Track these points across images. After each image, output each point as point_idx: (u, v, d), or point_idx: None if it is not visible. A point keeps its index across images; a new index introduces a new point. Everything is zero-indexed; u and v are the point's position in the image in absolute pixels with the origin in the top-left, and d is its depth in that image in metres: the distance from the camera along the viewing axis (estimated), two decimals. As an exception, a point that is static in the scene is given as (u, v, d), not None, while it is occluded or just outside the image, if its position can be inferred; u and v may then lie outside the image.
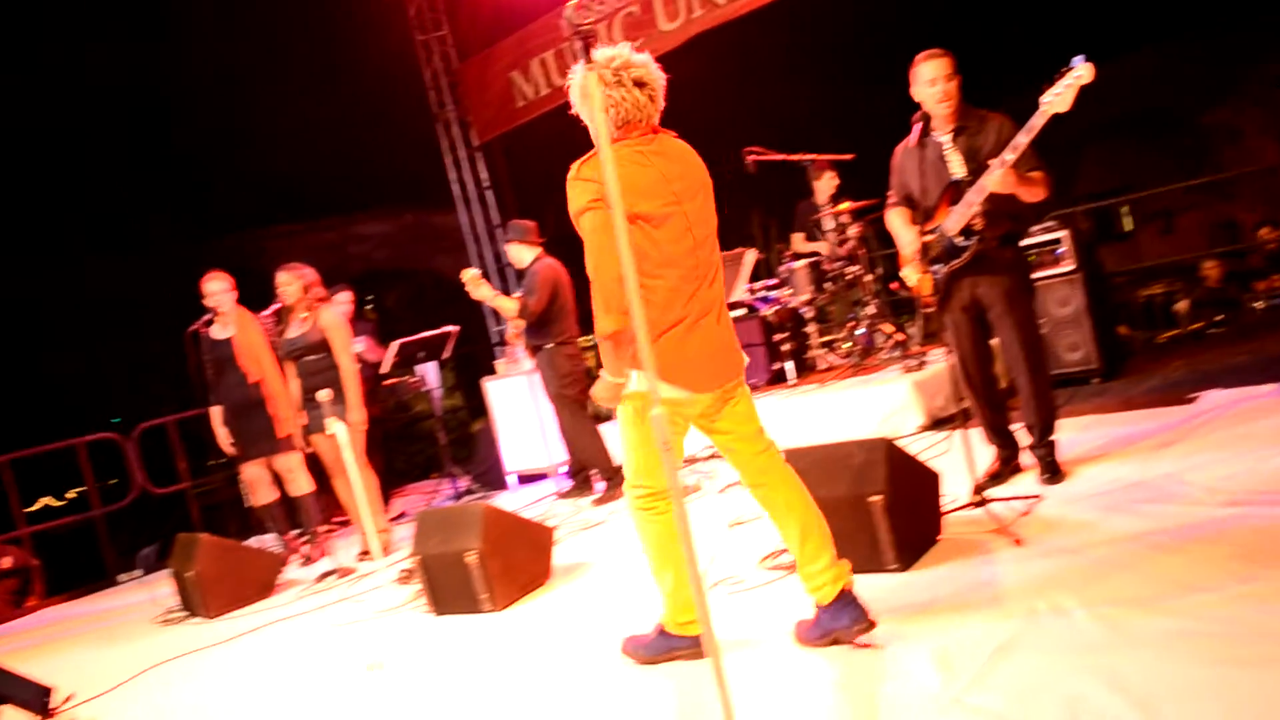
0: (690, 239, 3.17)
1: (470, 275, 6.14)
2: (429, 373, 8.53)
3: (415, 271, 16.76)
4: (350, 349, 6.35)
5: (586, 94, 3.10)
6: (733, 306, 7.77)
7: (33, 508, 9.31)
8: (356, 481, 5.47)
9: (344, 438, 5.41)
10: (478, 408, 11.29)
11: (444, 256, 15.81)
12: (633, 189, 3.05)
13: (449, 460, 8.08)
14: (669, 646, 3.44)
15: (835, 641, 3.20)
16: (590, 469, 6.87)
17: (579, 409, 6.62)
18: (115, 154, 13.29)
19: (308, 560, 6.85)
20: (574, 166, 3.09)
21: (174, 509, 9.56)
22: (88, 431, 8.86)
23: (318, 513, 6.96)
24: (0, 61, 12.21)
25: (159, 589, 7.09)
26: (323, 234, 15.38)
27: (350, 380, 6.22)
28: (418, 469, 11.02)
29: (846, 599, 3.19)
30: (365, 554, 6.40)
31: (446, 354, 7.94)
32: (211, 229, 13.42)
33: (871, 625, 3.16)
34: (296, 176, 14.54)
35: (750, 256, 6.10)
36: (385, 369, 7.82)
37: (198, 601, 6.10)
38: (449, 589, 4.69)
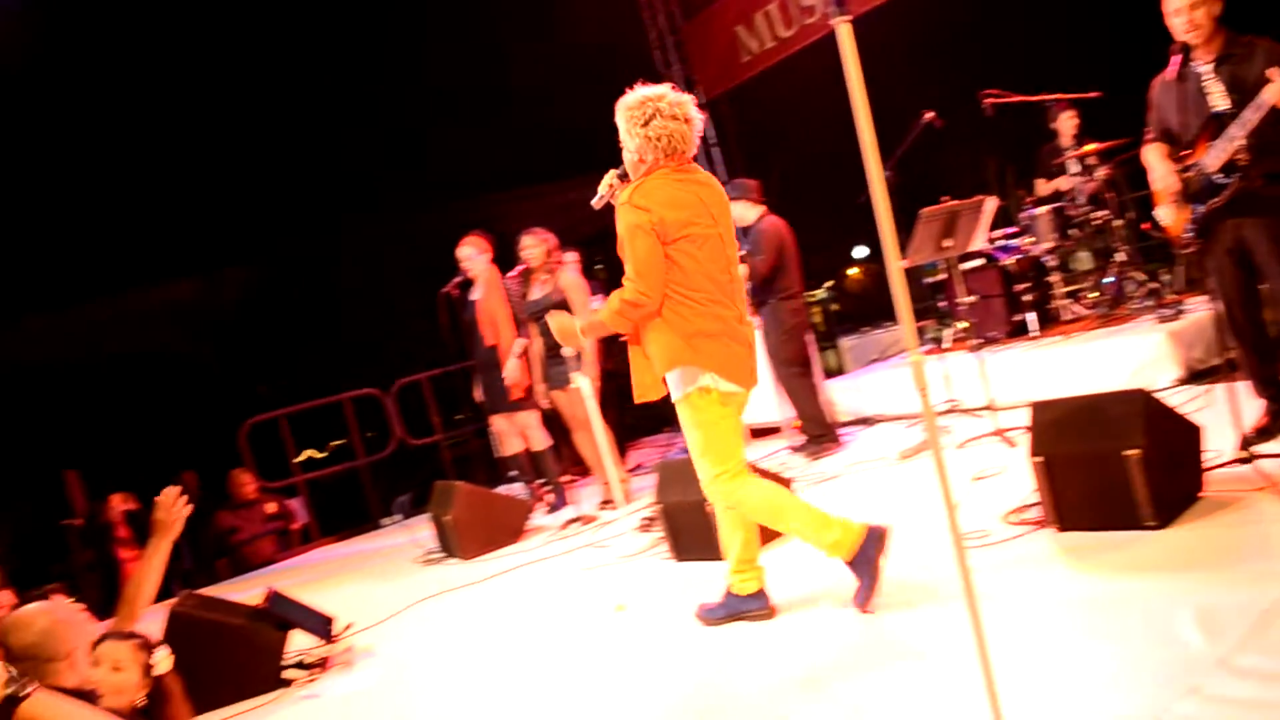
0: (724, 258, 3.70)
1: None
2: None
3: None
4: (589, 308, 6.59)
5: (635, 129, 3.65)
6: (970, 256, 7.54)
7: (298, 459, 10.17)
8: (600, 433, 5.71)
9: (587, 391, 5.65)
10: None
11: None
12: (682, 213, 3.59)
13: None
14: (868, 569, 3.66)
15: (738, 619, 3.87)
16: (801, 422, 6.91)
17: (798, 363, 6.66)
18: (362, 120, 14.08)
19: (552, 508, 7.21)
20: (625, 194, 3.62)
21: (428, 459, 10.23)
22: (351, 389, 9.59)
23: (556, 464, 7.30)
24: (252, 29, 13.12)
25: (418, 532, 7.61)
26: (554, 197, 15.83)
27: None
28: (648, 424, 11.28)
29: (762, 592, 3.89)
30: (606, 503, 6.68)
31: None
32: (451, 193, 14.08)
33: (772, 613, 3.83)
34: (529, 141, 15.01)
35: (990, 204, 5.88)
36: (620, 326, 8.05)
37: (455, 544, 6.54)
38: (689, 536, 4.85)
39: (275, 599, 5.02)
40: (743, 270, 6.28)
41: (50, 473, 9.89)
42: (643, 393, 3.77)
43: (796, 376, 6.70)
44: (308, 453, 11.43)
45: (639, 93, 3.69)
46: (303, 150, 13.63)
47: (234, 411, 9.87)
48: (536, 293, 6.67)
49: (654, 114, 3.62)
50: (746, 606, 3.88)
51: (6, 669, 1.97)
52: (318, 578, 7.32)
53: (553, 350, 6.47)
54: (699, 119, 3.68)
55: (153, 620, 5.76)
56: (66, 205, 13.16)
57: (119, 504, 9.29)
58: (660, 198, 3.57)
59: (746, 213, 6.68)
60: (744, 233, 6.73)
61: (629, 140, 3.69)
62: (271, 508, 9.12)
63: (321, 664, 4.84)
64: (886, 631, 3.38)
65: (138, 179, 13.31)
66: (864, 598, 3.61)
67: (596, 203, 3.92)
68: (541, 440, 7.05)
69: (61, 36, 11.94)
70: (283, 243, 14.24)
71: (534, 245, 6.62)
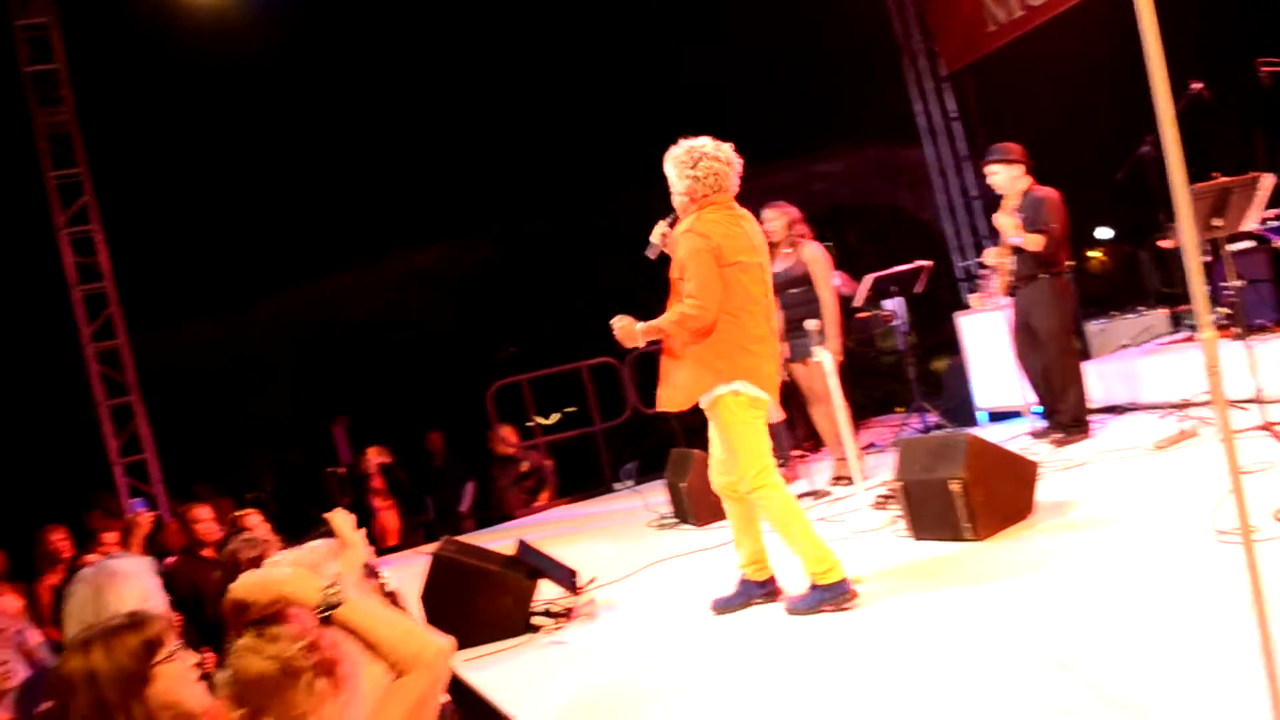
0: (763, 283, 4.37)
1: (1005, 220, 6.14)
2: (897, 308, 8.61)
3: (876, 207, 16.81)
4: (831, 282, 6.61)
5: (685, 172, 4.25)
6: (1239, 238, 7.05)
7: (533, 422, 10.66)
8: (840, 408, 5.73)
9: (829, 365, 5.67)
10: (936, 345, 11.20)
11: (906, 192, 15.71)
12: (734, 243, 4.22)
13: (918, 394, 8.14)
14: (819, 600, 4.17)
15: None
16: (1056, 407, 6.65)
17: (1068, 345, 6.40)
18: (614, 95, 14.41)
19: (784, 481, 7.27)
20: (686, 224, 4.24)
21: (658, 427, 10.50)
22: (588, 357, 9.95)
23: (789, 438, 7.35)
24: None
25: (650, 497, 7.85)
26: (785, 173, 15.79)
27: (831, 312, 6.50)
28: (874, 404, 11.16)
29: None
30: (840, 479, 6.69)
31: (919, 288, 7.98)
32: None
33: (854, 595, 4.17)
34: (758, 115, 15.04)
35: (1268, 181, 5.50)
36: (858, 303, 8.02)
37: (688, 510, 6.72)
38: (930, 515, 4.82)
39: (525, 550, 5.33)
40: (1018, 240, 6.10)
41: (319, 425, 10.80)
42: (667, 403, 4.39)
43: (1066, 357, 6.40)
44: (535, 419, 11.90)
45: (684, 144, 4.29)
46: (555, 123, 14.11)
47: (477, 375, 10.46)
48: (778, 266, 6.72)
49: (700, 157, 4.23)
50: (826, 596, 4.17)
51: (323, 579, 2.21)
52: (557, 534, 7.67)
53: (794, 323, 6.52)
54: (738, 162, 4.30)
55: (417, 562, 6.25)
56: (336, 181, 14.19)
57: (375, 456, 10.03)
58: (717, 229, 4.18)
59: (1012, 180, 6.32)
60: (991, 203, 6.52)
61: (679, 183, 4.29)
62: (526, 464, 9.62)
63: (567, 614, 5.11)
64: (1149, 626, 3.27)
65: (401, 154, 14.17)
66: (793, 608, 4.22)
67: (651, 253, 4.52)
68: (775, 413, 7.10)
69: (315, 20, 12.83)
70: (530, 214, 14.82)
71: (775, 218, 6.68)
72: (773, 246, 6.77)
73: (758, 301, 4.31)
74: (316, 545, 2.70)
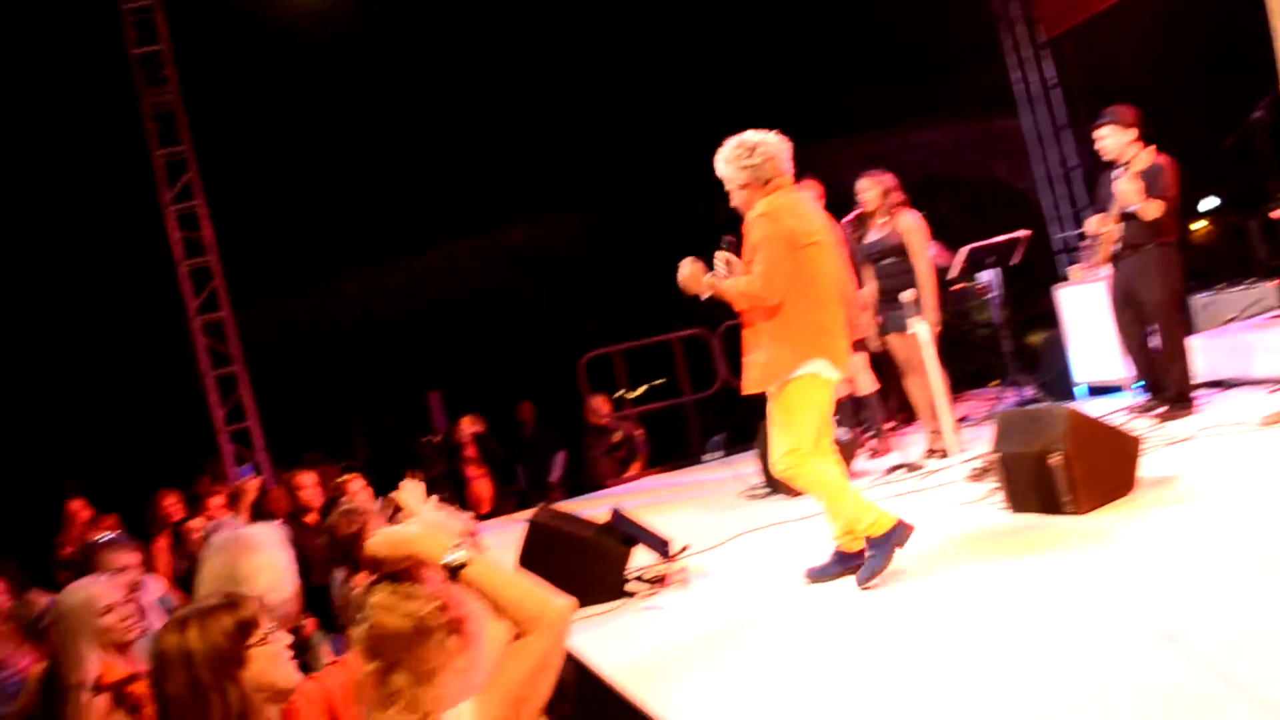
0: (836, 261, 4.56)
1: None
2: (993, 279, 8.46)
3: (970, 179, 16.46)
4: (928, 252, 6.53)
5: (741, 163, 4.34)
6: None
7: (628, 394, 10.75)
8: (937, 380, 5.68)
9: (925, 337, 5.62)
10: (1032, 318, 10.96)
11: (1001, 162, 15.34)
12: (807, 224, 4.34)
13: (1014, 368, 8.01)
14: (884, 552, 4.26)
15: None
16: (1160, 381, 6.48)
17: (1177, 318, 6.22)
18: (699, 65, 14.35)
19: (875, 454, 7.23)
20: (759, 208, 4.30)
21: (747, 400, 10.48)
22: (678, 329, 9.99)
23: (881, 410, 7.30)
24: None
25: (740, 468, 7.87)
26: (876, 143, 15.57)
27: (927, 282, 6.42)
28: (968, 378, 10.99)
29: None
30: (934, 452, 6.63)
31: (1016, 259, 7.84)
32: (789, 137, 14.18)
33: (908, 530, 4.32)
34: (853, 86, 14.83)
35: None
36: (954, 274, 7.90)
37: (779, 481, 6.71)
38: (1028, 488, 4.75)
39: (620, 517, 5.40)
40: (1137, 207, 5.92)
41: (415, 394, 11.05)
42: (752, 386, 4.45)
43: (1173, 330, 6.19)
44: (622, 392, 12.01)
45: (730, 141, 4.38)
46: (648, 97, 14.11)
47: (569, 347, 10.56)
48: (873, 235, 6.67)
49: (755, 145, 4.32)
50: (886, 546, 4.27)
51: (451, 536, 2.28)
52: (648, 504, 7.74)
53: (889, 294, 6.46)
54: (788, 145, 4.40)
55: (511, 530, 6.37)
56: (434, 156, 14.41)
57: (468, 426, 10.23)
58: (786, 212, 4.29)
59: (1125, 147, 6.04)
60: (1096, 171, 6.34)
61: (738, 175, 4.35)
62: (618, 435, 9.72)
63: (660, 580, 5.18)
64: (1256, 602, 3.20)
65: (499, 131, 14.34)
66: (865, 577, 4.22)
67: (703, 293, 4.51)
68: (868, 384, 7.07)
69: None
70: (623, 188, 14.87)
71: (870, 187, 6.62)
72: (867, 216, 6.75)
73: (833, 279, 4.49)
74: (440, 510, 2.77)
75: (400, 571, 2.21)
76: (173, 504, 7.53)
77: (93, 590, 3.78)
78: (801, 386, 4.32)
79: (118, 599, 3.78)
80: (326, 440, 12.55)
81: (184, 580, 6.31)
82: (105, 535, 5.98)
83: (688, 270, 4.43)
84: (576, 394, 10.20)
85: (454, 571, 2.18)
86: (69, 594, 3.81)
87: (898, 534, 4.27)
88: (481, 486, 10.04)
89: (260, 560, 3.05)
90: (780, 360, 4.32)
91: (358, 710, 2.45)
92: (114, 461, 13.77)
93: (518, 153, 14.58)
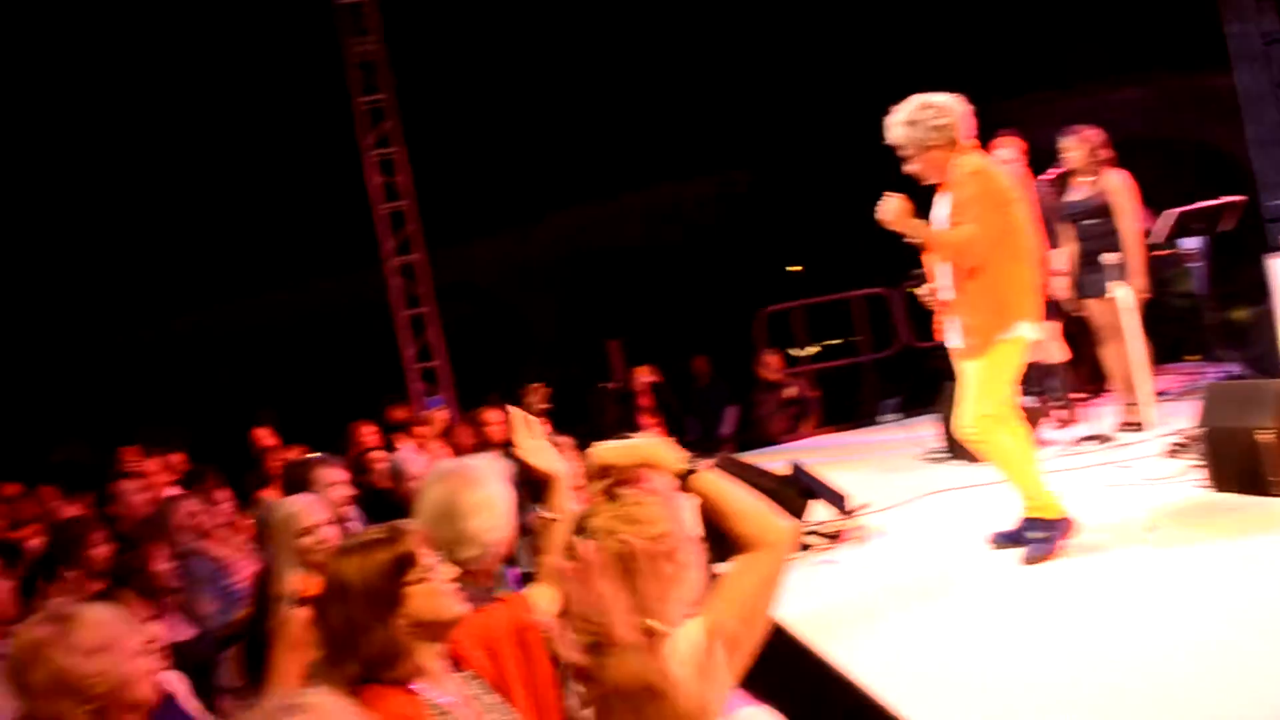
0: (1029, 221, 4.49)
1: None
2: (1199, 247, 7.99)
3: (1173, 140, 15.52)
4: (1134, 213, 6.25)
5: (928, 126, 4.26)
6: None
7: (800, 352, 10.70)
8: (1138, 349, 5.46)
9: (1128, 303, 5.40)
10: (1237, 290, 10.30)
11: (1212, 123, 14.40)
12: (1009, 183, 4.38)
13: (1216, 342, 7.59)
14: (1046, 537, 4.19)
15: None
16: None
17: None
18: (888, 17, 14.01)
19: (1063, 424, 7.00)
20: (965, 169, 4.22)
21: (926, 363, 10.28)
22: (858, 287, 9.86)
23: (1071, 379, 7.04)
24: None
25: (917, 430, 7.75)
26: (1077, 100, 14.86)
27: (1134, 245, 6.16)
28: (1163, 350, 10.46)
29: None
30: (1127, 425, 6.37)
31: (1227, 226, 7.39)
32: (987, 92, 13.74)
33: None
34: (1047, 40, 14.19)
35: None
36: (1156, 239, 7.51)
37: (961, 446, 6.55)
38: (1233, 466, 4.55)
39: (799, 471, 5.43)
40: None
41: (595, 342, 11.31)
42: (970, 353, 4.29)
43: None
44: (794, 350, 11.93)
45: (907, 106, 4.30)
46: (834, 48, 13.89)
47: (745, 301, 10.57)
48: (1075, 194, 6.42)
49: (940, 106, 4.26)
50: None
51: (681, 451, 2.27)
52: (823, 461, 7.73)
53: (1090, 256, 6.22)
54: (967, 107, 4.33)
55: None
56: (621, 106, 14.59)
57: (645, 376, 10.38)
58: (990, 171, 4.29)
59: None
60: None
61: (927, 137, 4.25)
62: (791, 391, 9.72)
63: (837, 535, 5.19)
64: None
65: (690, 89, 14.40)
66: (1030, 557, 4.14)
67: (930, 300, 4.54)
68: (1059, 352, 6.83)
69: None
70: (807, 144, 14.72)
71: (1074, 146, 6.36)
72: (1069, 175, 6.50)
73: (1030, 237, 4.51)
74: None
75: (621, 494, 2.17)
76: (369, 434, 7.94)
77: (296, 508, 3.95)
78: (1006, 350, 4.26)
79: (319, 520, 3.91)
80: (506, 383, 12.97)
81: (367, 508, 6.56)
82: (314, 455, 6.31)
83: (891, 205, 4.28)
84: (751, 349, 10.22)
85: (686, 478, 2.15)
86: (274, 509, 4.04)
87: (1062, 526, 4.21)
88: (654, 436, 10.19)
89: (482, 495, 2.98)
90: (989, 322, 4.25)
91: (543, 639, 2.49)
92: (308, 396, 14.61)
93: (705, 104, 14.59)
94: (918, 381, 10.01)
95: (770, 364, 9.83)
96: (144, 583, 4.85)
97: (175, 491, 6.53)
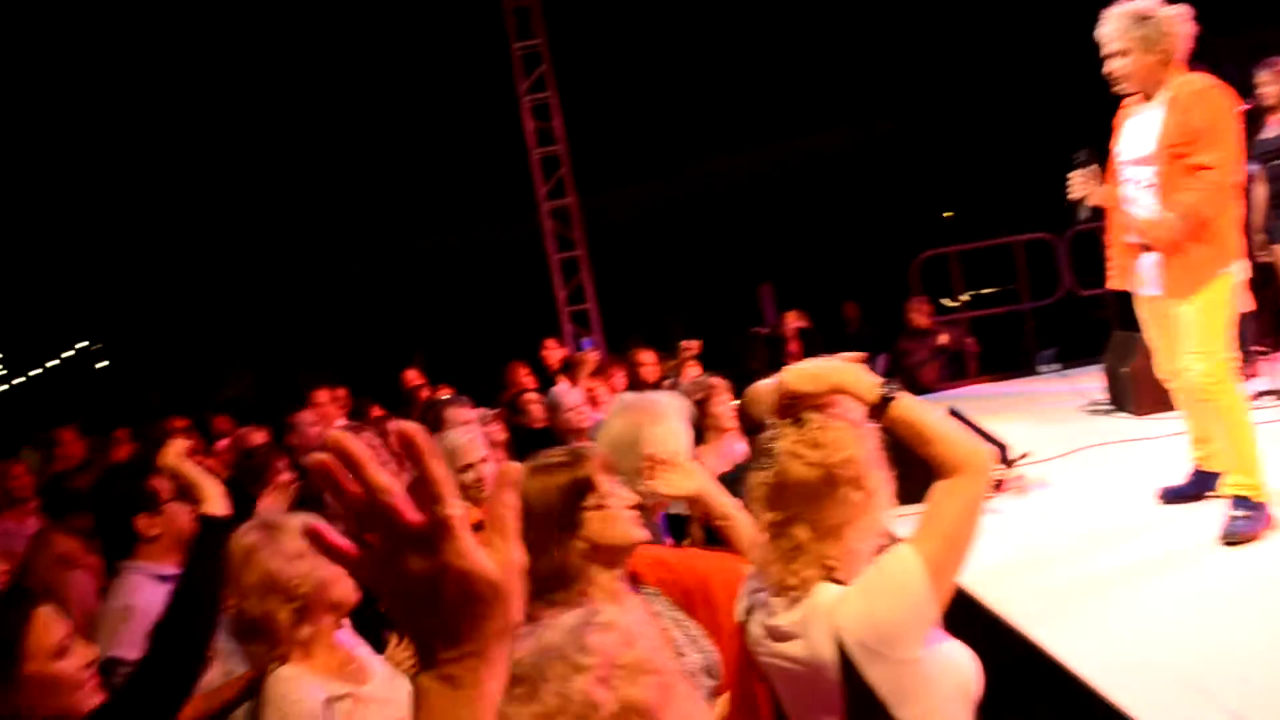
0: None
1: None
2: None
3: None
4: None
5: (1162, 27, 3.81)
6: None
7: (952, 300, 10.41)
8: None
9: (1323, 248, 5.07)
10: None
11: None
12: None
13: None
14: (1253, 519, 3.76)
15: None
16: None
17: None
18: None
19: (1242, 377, 6.64)
20: (1198, 84, 3.82)
21: (1089, 312, 9.88)
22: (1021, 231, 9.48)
23: (1254, 331, 6.66)
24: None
25: (1078, 382, 7.48)
26: (1270, 33, 13.85)
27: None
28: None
29: None
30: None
31: None
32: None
33: None
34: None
35: None
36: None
37: (1127, 397, 6.34)
38: None
39: (957, 416, 5.30)
40: None
41: (748, 285, 11.28)
42: (1175, 288, 3.88)
43: None
44: (946, 300, 11.60)
45: (1136, 4, 3.84)
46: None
47: (898, 247, 10.33)
48: (1270, 132, 6.03)
49: (1172, 15, 3.83)
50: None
51: (878, 378, 2.21)
52: (979, 411, 7.53)
53: (1278, 199, 5.86)
54: None
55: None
56: (771, 55, 14.40)
57: (793, 321, 10.30)
58: (1222, 94, 3.82)
59: None
60: None
61: (1156, 39, 3.80)
62: (944, 339, 9.50)
63: (997, 485, 5.06)
64: None
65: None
66: (1231, 535, 3.72)
67: (1083, 212, 4.21)
68: (1245, 301, 6.45)
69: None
70: (964, 91, 14.27)
71: (1271, 80, 5.96)
72: (1263, 111, 6.09)
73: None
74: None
75: (807, 419, 2.12)
76: (525, 374, 8.14)
77: (457, 443, 4.15)
78: (1223, 288, 3.89)
79: (476, 458, 4.11)
80: (654, 325, 13.08)
81: (521, 447, 6.70)
82: (448, 396, 6.51)
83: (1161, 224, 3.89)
84: (901, 296, 10.00)
85: (883, 405, 2.10)
86: (437, 443, 4.22)
87: (1265, 512, 3.82)
88: (804, 382, 10.11)
89: (664, 428, 3.05)
90: (1205, 258, 3.85)
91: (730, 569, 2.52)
92: (461, 337, 15.05)
93: (856, 52, 14.26)
94: (1078, 331, 9.65)
95: (922, 311, 9.62)
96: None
97: (343, 423, 6.84)
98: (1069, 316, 10.16)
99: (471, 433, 4.38)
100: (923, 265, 9.63)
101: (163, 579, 3.18)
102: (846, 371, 2.16)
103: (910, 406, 2.12)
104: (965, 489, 2.07)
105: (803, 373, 2.17)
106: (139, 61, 15.30)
